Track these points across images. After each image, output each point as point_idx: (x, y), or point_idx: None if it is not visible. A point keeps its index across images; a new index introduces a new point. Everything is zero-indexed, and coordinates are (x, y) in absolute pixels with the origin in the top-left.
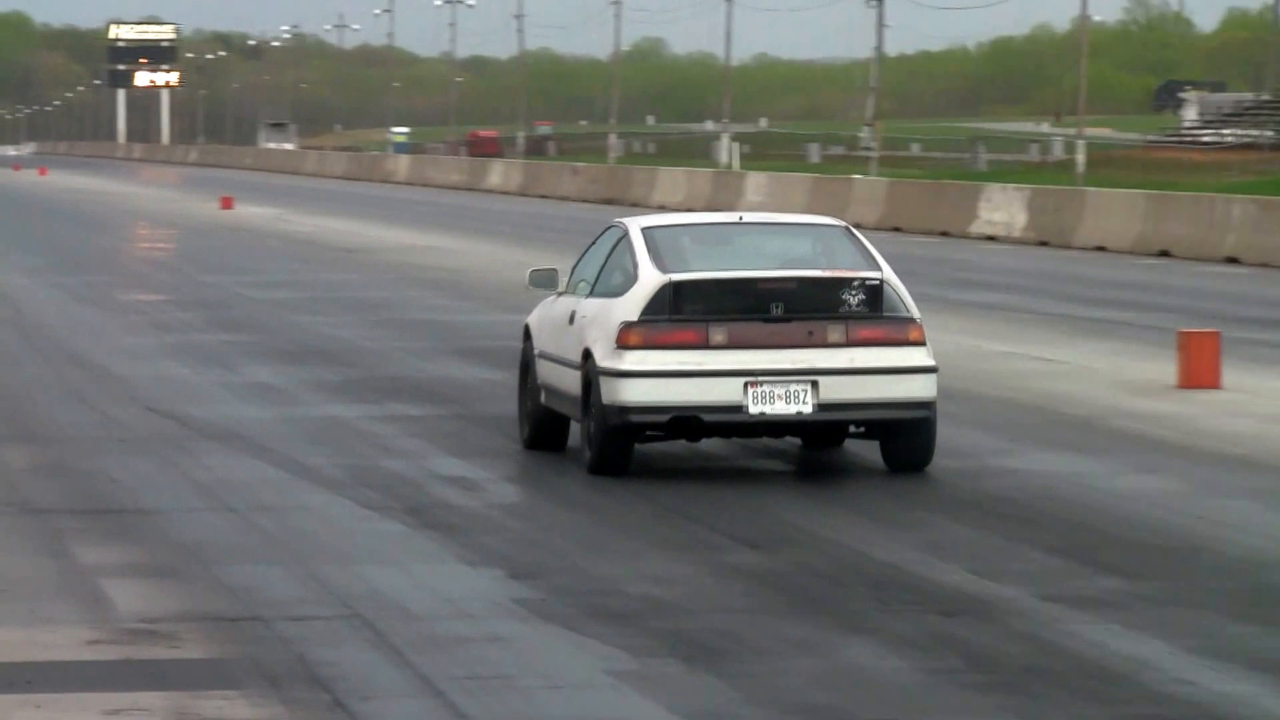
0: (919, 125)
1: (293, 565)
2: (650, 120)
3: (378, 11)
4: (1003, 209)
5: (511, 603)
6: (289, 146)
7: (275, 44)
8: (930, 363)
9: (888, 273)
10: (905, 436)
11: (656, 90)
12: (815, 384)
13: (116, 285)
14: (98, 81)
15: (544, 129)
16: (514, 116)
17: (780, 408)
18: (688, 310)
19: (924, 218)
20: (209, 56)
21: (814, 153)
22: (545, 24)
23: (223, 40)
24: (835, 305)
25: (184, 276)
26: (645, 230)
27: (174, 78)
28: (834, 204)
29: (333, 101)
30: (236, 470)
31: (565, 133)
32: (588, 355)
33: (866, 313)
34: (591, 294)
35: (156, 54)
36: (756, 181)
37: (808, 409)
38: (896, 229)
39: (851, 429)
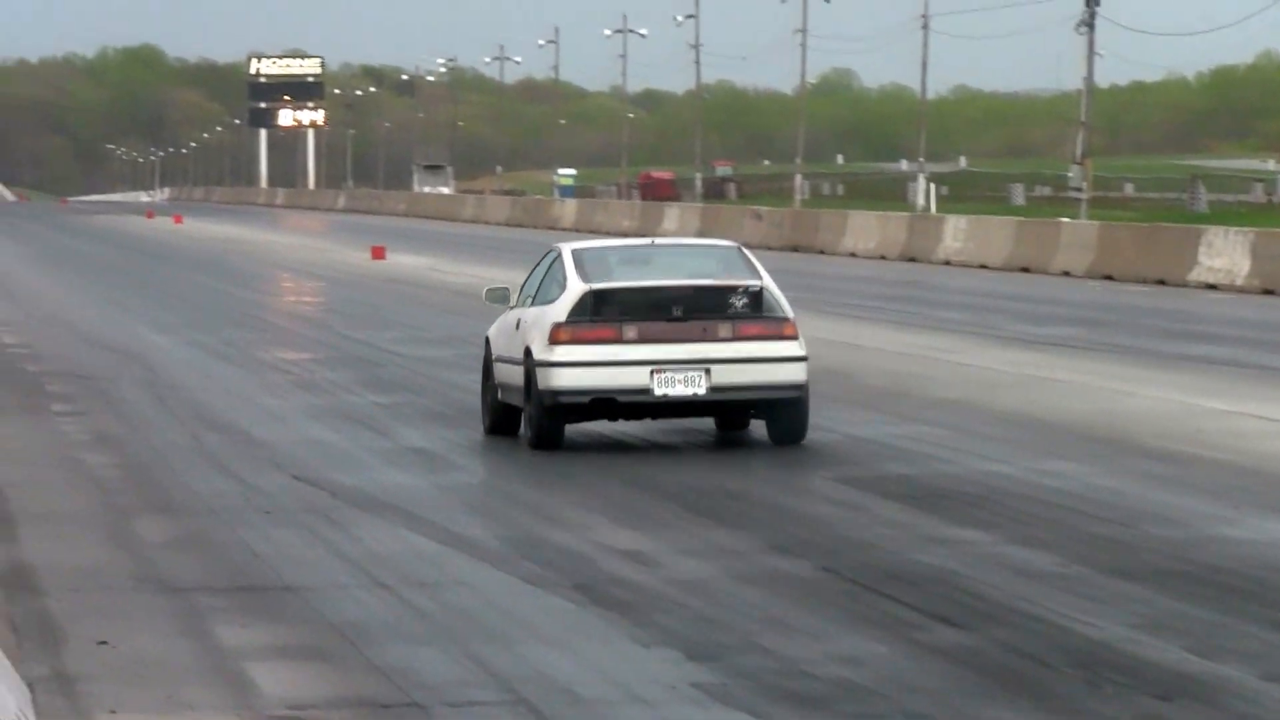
0: (1132, 163)
1: (450, 646)
2: (839, 159)
3: (541, 42)
4: (1224, 255)
5: (689, 687)
6: (445, 190)
7: (430, 79)
8: (801, 353)
9: (767, 281)
10: (784, 415)
11: (845, 126)
12: (708, 370)
13: (258, 342)
14: (237, 121)
15: (723, 169)
16: (690, 156)
17: (680, 390)
18: (605, 313)
19: (1138, 264)
20: (358, 93)
21: (1017, 194)
22: (724, 54)
23: (373, 75)
24: (724, 307)
25: (331, 333)
26: (574, 251)
27: (320, 116)
28: (1039, 249)
29: (492, 141)
30: (389, 543)
31: (746, 173)
32: (528, 352)
33: (750, 313)
34: (533, 304)
35: (301, 90)
36: (955, 226)
37: (702, 391)
38: (1108, 277)
39: (753, 412)
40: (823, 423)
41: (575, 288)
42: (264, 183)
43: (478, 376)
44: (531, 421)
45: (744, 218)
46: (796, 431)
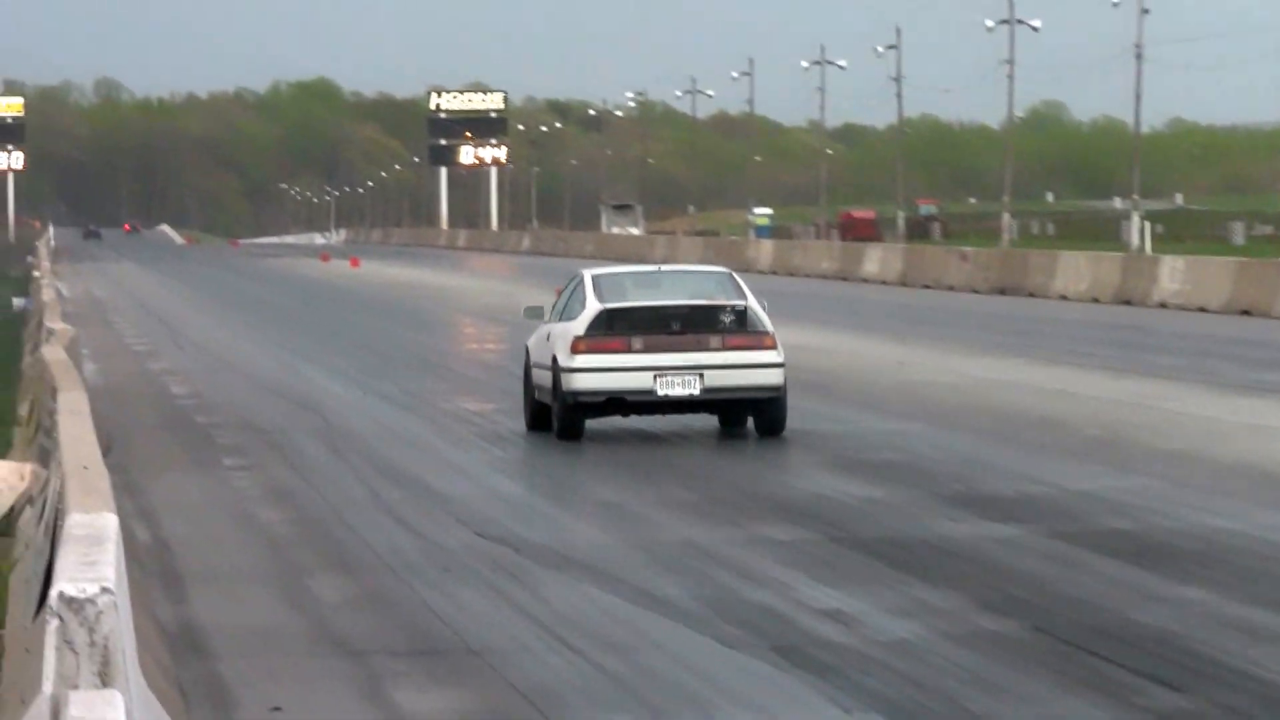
0: None
1: (644, 712)
2: (1049, 196)
3: (735, 74)
4: None
5: None
6: (635, 231)
7: (618, 113)
8: (779, 360)
9: (751, 302)
10: (766, 412)
11: (1056, 162)
12: (701, 375)
13: (440, 391)
14: (416, 159)
15: (927, 208)
16: (892, 193)
17: (678, 391)
18: (617, 327)
19: None
20: (543, 129)
21: (1237, 233)
22: (927, 86)
23: (558, 110)
24: (715, 323)
25: (516, 381)
26: (594, 276)
27: (503, 153)
28: (1262, 291)
29: (684, 178)
30: (578, 603)
31: (951, 211)
32: (555, 360)
33: (735, 328)
34: (560, 320)
35: (483, 126)
36: (1172, 267)
37: (696, 392)
38: None
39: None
40: (1033, 474)
41: (593, 307)
42: (444, 223)
43: (669, 427)
44: (557, 416)
45: (950, 259)
46: (776, 425)
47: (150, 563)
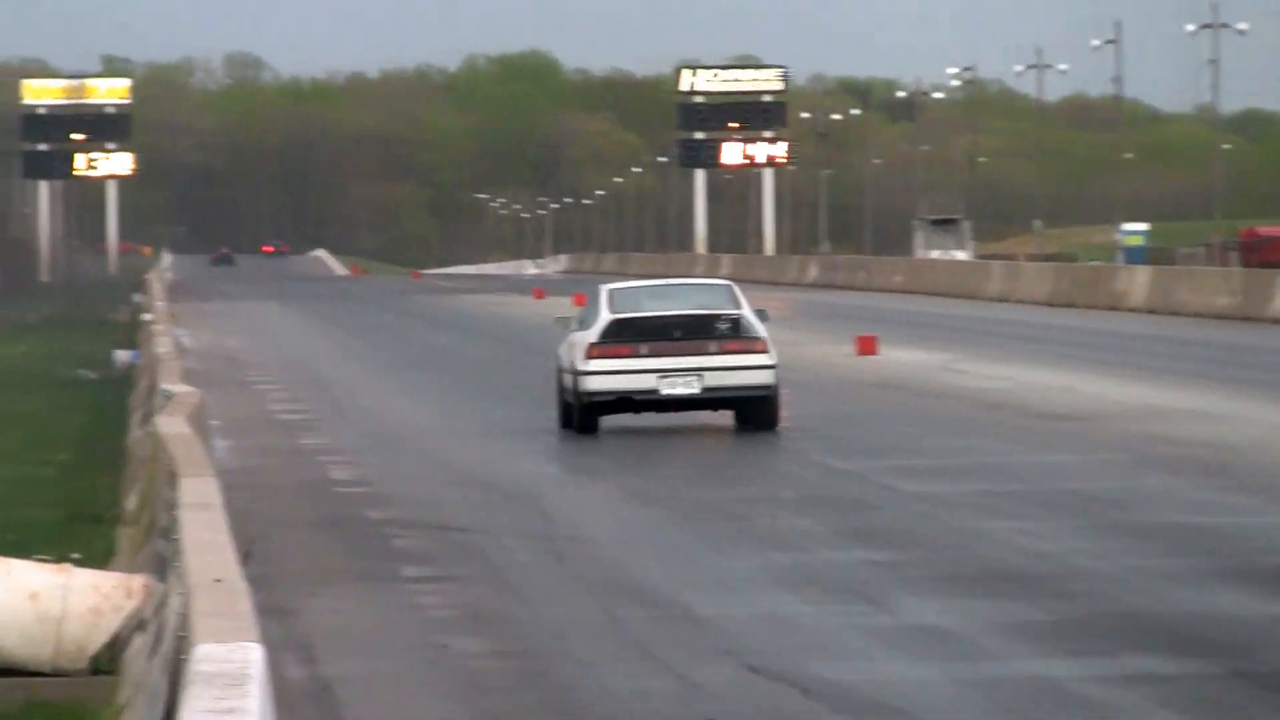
0: None
1: None
2: None
3: (1096, 43)
4: None
5: None
6: (960, 255)
7: (937, 96)
8: (770, 363)
9: (745, 311)
10: (758, 409)
11: None
12: (701, 375)
13: (695, 475)
14: (662, 159)
15: None
16: None
17: (680, 390)
18: (625, 335)
19: None
20: (834, 117)
21: None
22: None
23: (854, 92)
24: (712, 330)
25: (800, 459)
26: (609, 289)
27: (781, 151)
28: None
29: (1027, 184)
30: None
31: None
32: (573, 364)
33: (731, 334)
34: (579, 329)
35: (754, 115)
36: None
37: (696, 391)
38: None
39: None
40: None
41: (605, 317)
42: (700, 246)
43: (1012, 521)
44: (574, 414)
45: None
46: (768, 422)
47: (307, 712)
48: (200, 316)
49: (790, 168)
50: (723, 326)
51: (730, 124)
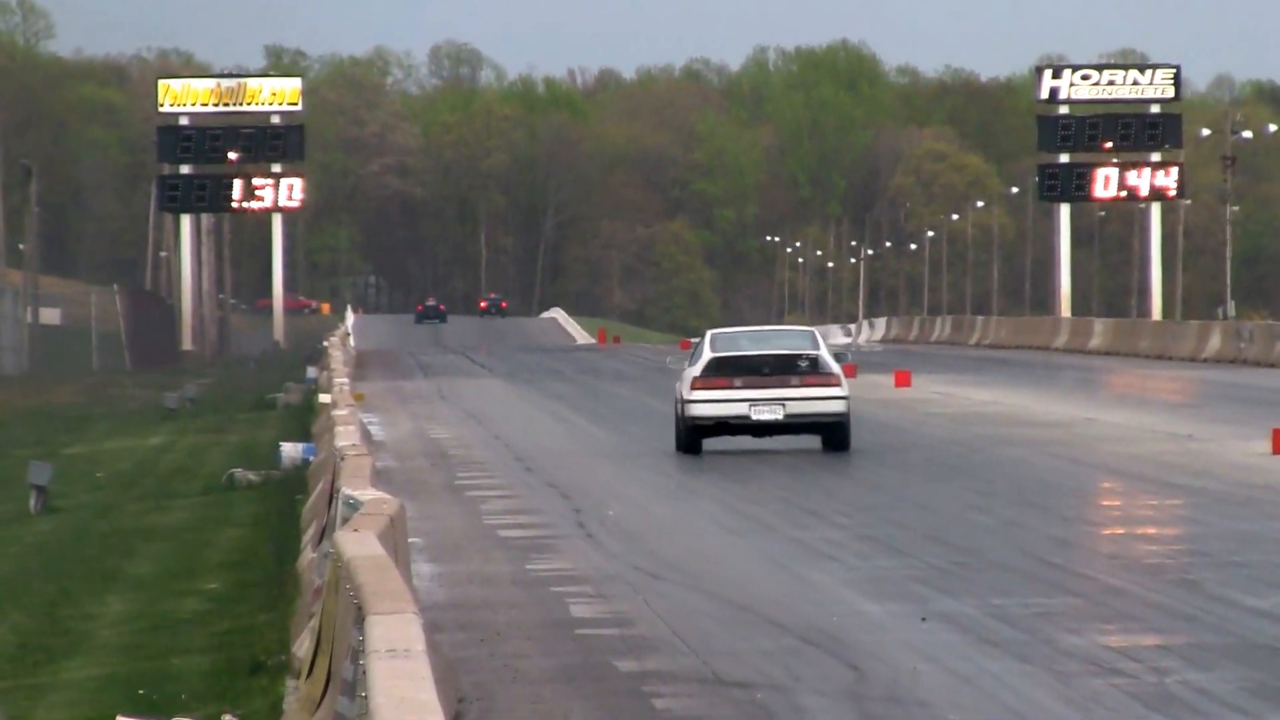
0: None
1: None
2: None
3: None
4: None
5: None
6: None
7: None
8: (843, 394)
9: (822, 352)
10: (833, 433)
11: None
12: (784, 404)
13: (1057, 612)
14: (1014, 189)
15: None
16: None
17: (767, 416)
18: (723, 370)
19: None
20: (1244, 135)
21: None
22: None
23: (1275, 100)
24: (794, 367)
25: (1202, 595)
26: (712, 333)
27: (1171, 179)
28: None
29: None
30: None
31: None
32: (681, 394)
33: (810, 371)
34: (689, 365)
35: (1136, 131)
36: None
37: (780, 417)
38: None
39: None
40: None
41: (707, 355)
42: (1065, 307)
43: None
44: (679, 436)
45: None
46: (842, 444)
47: None
48: (396, 397)
49: (1184, 202)
50: (803, 364)
51: (1105, 143)
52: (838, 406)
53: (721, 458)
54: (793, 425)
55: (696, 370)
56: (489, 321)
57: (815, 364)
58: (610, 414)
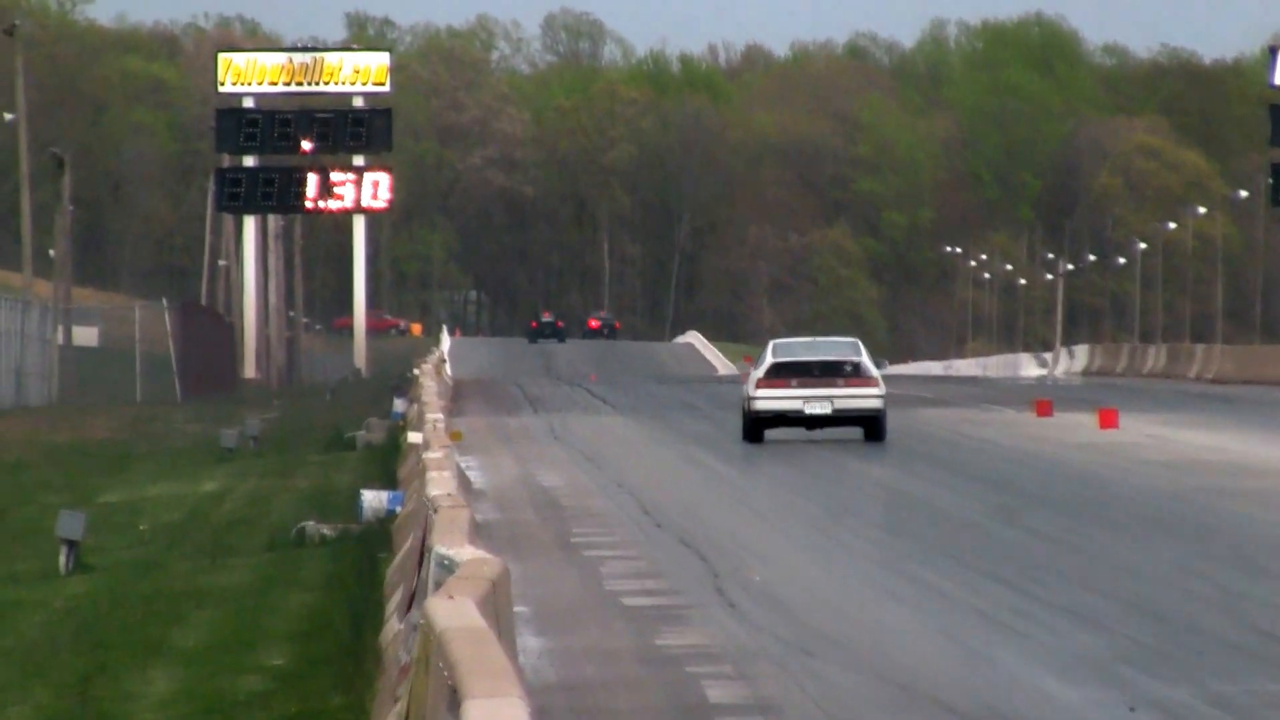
0: None
1: None
2: None
3: None
4: None
5: None
6: None
7: None
8: (880, 393)
9: (864, 359)
10: (872, 425)
11: None
12: (832, 401)
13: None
14: (1243, 193)
15: None
16: None
17: (817, 410)
18: (782, 373)
19: None
20: None
21: None
22: None
23: None
24: (840, 371)
25: None
26: (774, 343)
27: None
28: None
29: None
30: None
31: None
32: (747, 393)
33: (853, 374)
34: (754, 370)
35: None
36: None
37: (829, 411)
38: None
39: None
40: None
41: (769, 361)
42: None
43: None
44: (745, 427)
45: None
46: (879, 434)
47: None
48: (500, 436)
49: None
50: (848, 369)
51: None
52: (875, 403)
53: (881, 509)
54: (838, 419)
55: (760, 373)
56: (606, 345)
57: (857, 369)
58: (751, 455)
